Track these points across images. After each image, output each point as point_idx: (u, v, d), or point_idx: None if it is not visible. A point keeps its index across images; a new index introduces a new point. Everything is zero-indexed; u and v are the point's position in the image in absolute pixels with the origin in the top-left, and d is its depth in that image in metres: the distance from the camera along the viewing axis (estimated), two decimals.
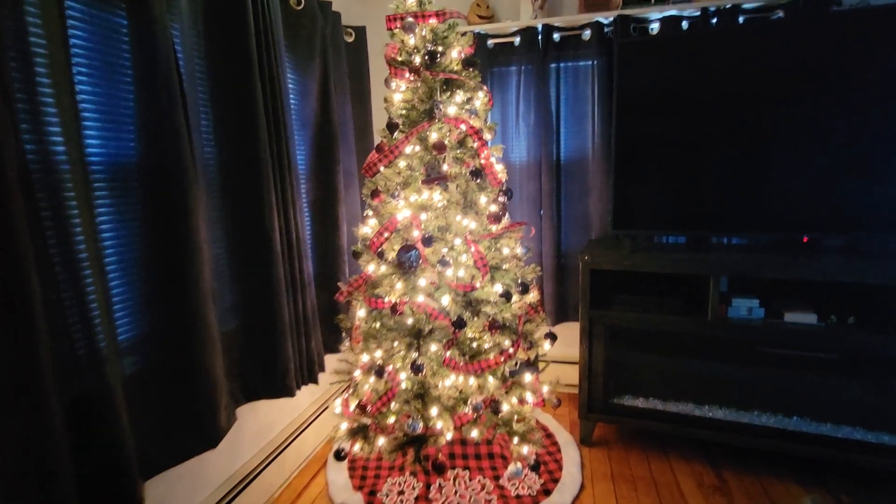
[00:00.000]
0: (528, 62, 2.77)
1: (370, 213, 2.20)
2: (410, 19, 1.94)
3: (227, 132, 1.79)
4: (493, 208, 2.06)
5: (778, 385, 2.21)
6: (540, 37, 2.72)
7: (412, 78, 1.98)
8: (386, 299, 2.02)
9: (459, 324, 1.86)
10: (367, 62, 2.82)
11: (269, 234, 1.85)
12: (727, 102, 2.13)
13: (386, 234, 1.99)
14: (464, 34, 2.06)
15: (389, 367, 2.00)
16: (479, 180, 1.98)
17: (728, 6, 2.43)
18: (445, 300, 1.93)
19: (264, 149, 1.81)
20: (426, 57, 1.96)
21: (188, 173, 1.50)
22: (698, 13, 2.49)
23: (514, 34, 2.77)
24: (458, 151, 2.03)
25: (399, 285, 1.99)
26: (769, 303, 2.17)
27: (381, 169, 2.03)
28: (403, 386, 1.99)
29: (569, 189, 2.86)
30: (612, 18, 2.59)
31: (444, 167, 1.96)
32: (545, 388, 2.13)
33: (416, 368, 1.84)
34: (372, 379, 2.04)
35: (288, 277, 1.97)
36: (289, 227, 1.97)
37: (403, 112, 2.07)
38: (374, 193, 2.06)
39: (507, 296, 1.98)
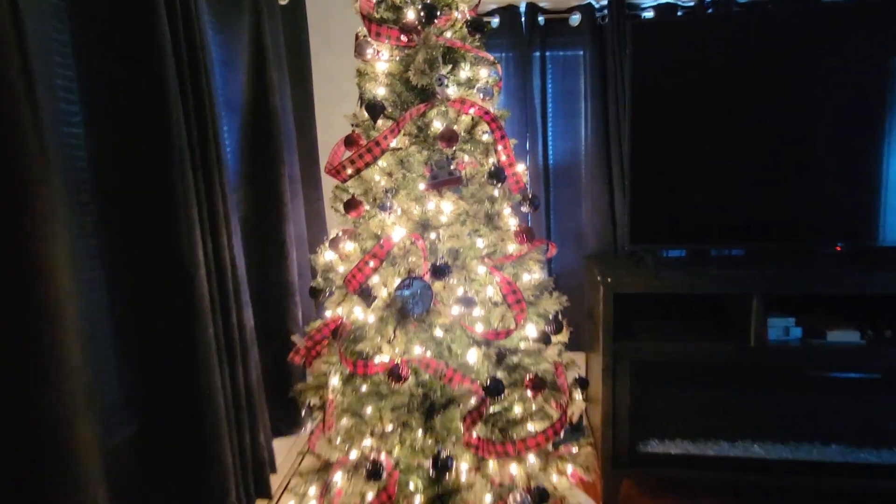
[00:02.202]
0: (510, 48, 2.32)
1: (338, 233, 1.55)
2: None
3: (108, 102, 1.04)
4: (514, 222, 1.53)
5: (819, 412, 1.97)
6: (523, 18, 2.29)
7: (404, 41, 1.40)
8: (377, 359, 1.38)
9: (494, 389, 1.30)
10: (307, 33, 2.15)
11: (190, 271, 1.12)
12: (766, 94, 1.87)
13: (372, 264, 1.36)
14: None
15: (385, 459, 1.35)
16: (499, 184, 1.45)
17: None
18: (472, 356, 1.35)
19: (178, 132, 1.08)
20: (422, 12, 1.39)
21: (32, 168, 0.76)
22: (692, 2, 2.26)
23: (491, 13, 2.31)
24: (467, 146, 1.48)
25: (394, 336, 1.37)
26: (804, 321, 1.93)
27: (359, 170, 1.40)
28: (411, 487, 1.35)
29: (558, 198, 2.46)
30: (605, 1, 2.25)
31: (453, 166, 1.40)
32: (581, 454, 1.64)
33: (441, 466, 1.22)
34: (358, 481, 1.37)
35: (221, 339, 1.23)
36: (220, 258, 1.24)
37: (386, 90, 1.47)
38: (350, 205, 1.42)
39: (544, 339, 1.46)
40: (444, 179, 1.37)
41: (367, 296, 1.39)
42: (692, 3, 2.27)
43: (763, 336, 1.86)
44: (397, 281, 1.42)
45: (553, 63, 2.39)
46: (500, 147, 1.48)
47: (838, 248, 1.96)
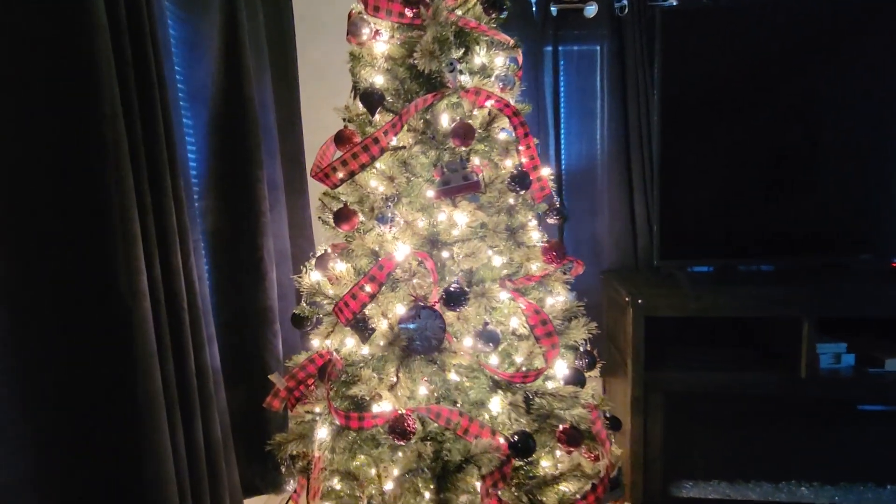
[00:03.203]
0: (520, 40, 2.08)
1: (327, 249, 1.28)
2: None
3: (11, 76, 0.76)
4: (536, 235, 1.28)
5: (874, 450, 1.74)
6: (534, 7, 2.06)
7: (408, 17, 1.14)
8: (375, 407, 1.11)
9: (524, 448, 1.03)
10: (292, 17, 1.89)
11: (127, 304, 0.83)
12: (814, 89, 1.66)
13: (369, 289, 1.10)
14: None
15: None
16: (522, 191, 1.20)
17: None
18: (496, 405, 1.09)
19: (113, 123, 0.81)
20: None
21: None
22: None
23: None
24: (481, 145, 1.23)
25: (397, 379, 1.10)
26: (856, 346, 1.70)
27: (353, 173, 1.14)
28: None
29: (572, 206, 2.21)
30: None
31: (468, 169, 1.14)
32: None
33: None
34: None
35: (173, 389, 0.94)
36: (172, 284, 0.96)
37: (385, 78, 1.21)
38: (342, 216, 1.16)
39: (577, 380, 1.20)
40: (457, 185, 1.11)
41: (362, 328, 1.12)
42: None
43: (815, 366, 1.63)
44: (400, 309, 1.17)
45: (566, 58, 2.16)
46: (522, 147, 1.24)
47: (894, 265, 1.74)
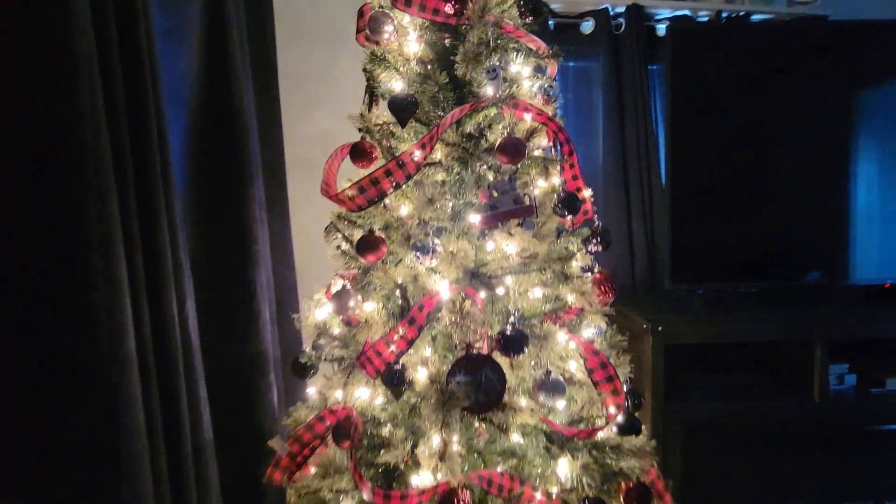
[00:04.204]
0: (560, 49, 1.98)
1: (345, 283, 1.07)
2: None
3: None
4: (576, 264, 1.15)
5: (877, 471, 1.76)
6: None
7: (449, 13, 0.99)
8: (416, 479, 0.91)
9: None
10: (272, 18, 1.66)
11: (110, 377, 0.58)
12: (822, 111, 1.68)
13: (405, 333, 0.91)
14: None
15: None
16: (571, 216, 1.06)
17: (741, 13, 2.07)
18: (563, 467, 0.92)
19: (93, 125, 0.57)
20: None
21: None
22: (707, 17, 2.08)
23: None
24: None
25: (442, 443, 0.91)
26: (858, 367, 1.73)
27: (383, 195, 0.95)
28: None
29: None
30: (622, 7, 2.00)
31: (520, 192, 0.99)
32: None
33: None
34: None
35: (164, 490, 0.69)
36: (165, 339, 0.71)
37: (411, 83, 1.04)
38: (368, 245, 0.96)
39: (633, 427, 1.07)
40: (507, 210, 0.95)
41: (397, 382, 0.92)
42: (706, 17, 2.10)
43: (826, 388, 1.62)
44: (426, 350, 0.99)
45: (562, 74, 2.09)
46: (566, 165, 1.11)
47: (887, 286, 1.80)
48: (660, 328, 1.57)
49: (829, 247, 1.84)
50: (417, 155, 0.94)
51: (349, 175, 1.20)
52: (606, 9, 2.00)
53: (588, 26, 2.03)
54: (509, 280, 0.96)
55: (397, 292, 1.05)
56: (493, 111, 1.05)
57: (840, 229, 1.82)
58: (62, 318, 0.56)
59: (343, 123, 1.97)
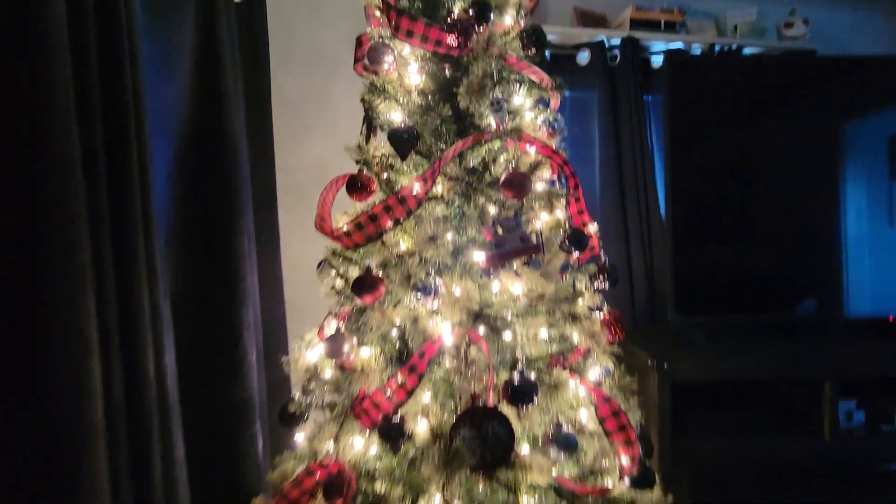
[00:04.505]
0: (563, 82, 1.98)
1: (339, 325, 1.00)
2: None
3: None
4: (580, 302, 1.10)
5: None
6: None
7: (452, 45, 0.95)
8: None
9: None
10: (267, 41, 1.63)
11: (70, 454, 0.50)
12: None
13: (404, 381, 0.84)
14: None
15: None
16: (577, 253, 1.01)
17: (734, 46, 2.10)
18: None
19: (68, 157, 0.50)
20: (474, 9, 0.97)
21: None
22: (700, 50, 2.11)
23: None
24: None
25: (437, 501, 0.83)
26: (866, 404, 1.68)
27: (381, 233, 0.89)
28: None
29: None
30: (617, 40, 2.02)
31: (526, 228, 0.94)
32: None
33: None
34: None
35: None
36: (139, 401, 0.63)
37: (410, 114, 1.00)
38: (365, 285, 0.89)
39: (646, 479, 1.00)
40: (514, 248, 0.90)
41: (394, 435, 0.85)
42: (699, 50, 2.12)
43: (837, 427, 1.57)
44: (425, 396, 0.92)
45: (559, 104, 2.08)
46: (572, 200, 1.07)
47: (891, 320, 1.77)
48: (665, 365, 1.51)
49: (831, 279, 1.82)
50: (418, 189, 0.89)
51: (345, 206, 1.15)
52: (602, 41, 2.02)
53: (584, 57, 2.04)
54: (515, 323, 0.90)
55: (394, 332, 0.98)
56: (496, 144, 1.01)
57: (842, 263, 1.81)
58: (19, 384, 0.48)
59: (338, 151, 1.92)
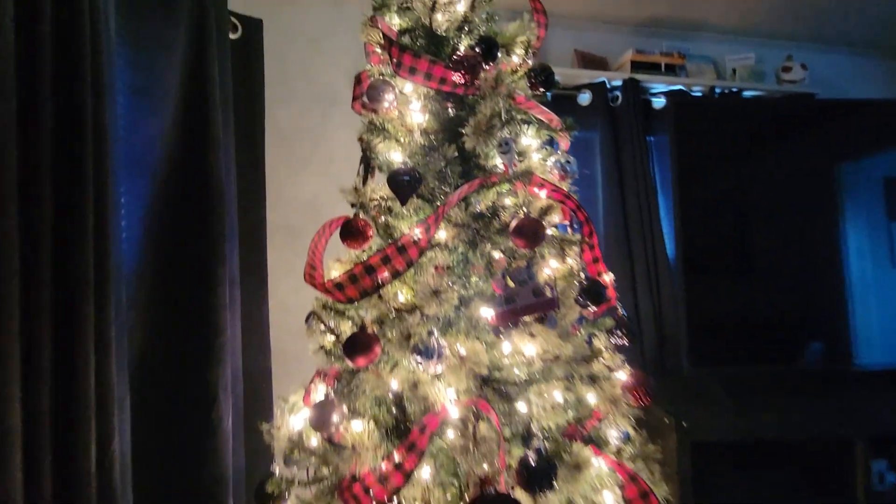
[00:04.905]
0: (574, 122, 1.95)
1: (327, 389, 0.88)
2: None
3: None
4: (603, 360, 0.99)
5: None
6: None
7: (458, 83, 0.89)
8: None
9: None
10: (262, 77, 1.58)
11: None
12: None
13: (401, 461, 0.72)
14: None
15: None
16: (593, 308, 0.92)
17: (734, 89, 2.10)
18: None
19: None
20: (480, 47, 0.91)
21: None
22: (701, 91, 2.10)
23: None
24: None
25: None
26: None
27: (378, 287, 0.79)
28: None
29: None
30: (619, 81, 2.00)
31: (540, 281, 0.85)
32: None
33: None
34: None
35: None
36: (73, 477, 0.51)
37: (412, 155, 0.93)
38: (358, 346, 0.79)
39: None
40: (527, 303, 0.80)
41: None
42: (700, 92, 2.11)
43: (870, 489, 1.44)
44: (424, 471, 0.80)
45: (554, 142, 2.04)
46: (586, 247, 0.98)
47: None
48: (684, 424, 1.39)
49: (838, 323, 1.74)
50: (420, 238, 0.80)
51: (339, 251, 1.06)
52: (603, 82, 2.00)
53: (585, 98, 2.02)
54: (529, 389, 0.79)
55: (390, 395, 0.87)
56: (504, 187, 0.93)
57: (847, 306, 1.74)
58: None
59: (333, 189, 1.84)
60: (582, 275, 0.94)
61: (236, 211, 1.30)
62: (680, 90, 2.07)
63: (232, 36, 1.48)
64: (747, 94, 2.14)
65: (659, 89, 2.08)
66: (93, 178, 0.55)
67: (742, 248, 1.84)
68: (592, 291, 0.89)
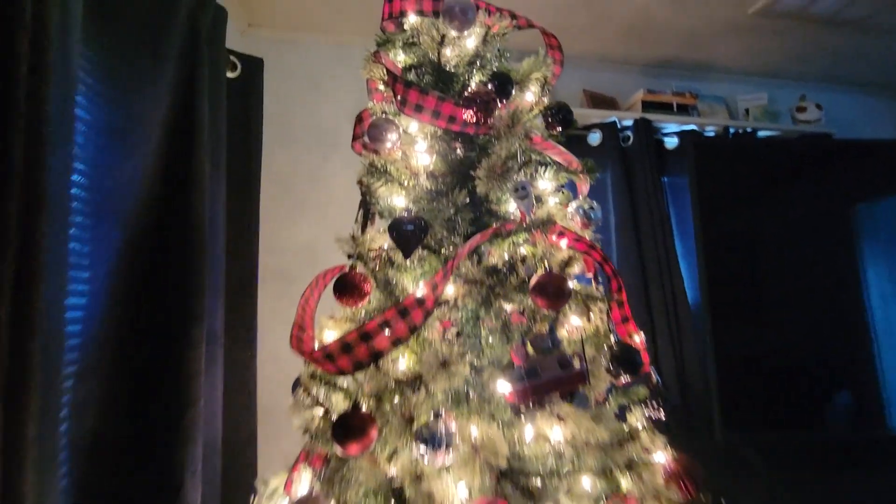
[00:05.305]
0: (595, 164, 1.87)
1: (311, 480, 0.74)
2: None
3: None
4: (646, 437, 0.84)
5: None
6: None
7: (467, 119, 0.79)
8: None
9: None
10: (261, 119, 1.51)
11: None
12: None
13: None
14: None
15: None
16: (629, 379, 0.78)
17: (748, 129, 2.03)
18: None
19: None
20: (493, 83, 0.83)
21: None
22: (714, 132, 2.03)
23: None
24: None
25: None
26: None
27: (377, 357, 0.66)
28: None
29: None
30: (629, 121, 1.94)
31: (562, 346, 0.72)
32: None
33: None
34: None
35: None
36: None
37: (417, 201, 0.82)
38: (351, 431, 0.65)
39: None
40: (552, 377, 0.67)
41: None
42: (713, 132, 2.05)
43: None
44: None
45: (569, 185, 1.96)
46: (616, 303, 0.86)
47: None
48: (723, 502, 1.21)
49: (882, 386, 1.59)
50: (426, 297, 0.68)
51: (333, 303, 0.94)
52: (614, 122, 1.94)
53: (595, 138, 1.95)
54: (557, 486, 0.65)
55: (388, 485, 0.72)
56: (521, 237, 0.82)
57: (875, 359, 1.60)
58: None
59: (330, 233, 1.72)
60: (612, 337, 0.81)
61: (224, 259, 1.19)
62: (693, 130, 2.01)
63: (231, 75, 1.43)
64: (762, 133, 2.07)
65: (671, 129, 2.02)
66: (16, 253, 0.44)
67: (763, 296, 1.72)
68: (627, 359, 0.76)
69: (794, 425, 1.59)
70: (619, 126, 1.95)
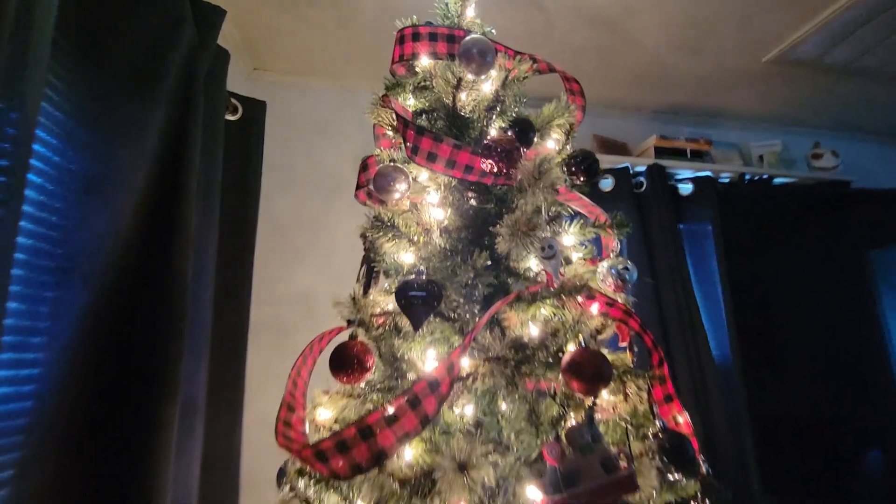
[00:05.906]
0: (626, 218, 1.79)
1: None
2: (486, 36, 0.76)
3: None
4: None
5: None
6: None
7: (486, 169, 0.70)
8: None
9: None
10: (260, 161, 1.43)
11: None
12: None
13: None
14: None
15: None
16: (679, 477, 0.65)
17: (765, 176, 1.97)
18: None
19: None
20: (514, 130, 0.75)
21: None
22: (728, 179, 1.97)
23: None
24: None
25: None
26: None
27: (381, 457, 0.54)
28: None
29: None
30: (642, 167, 1.87)
31: (611, 449, 0.59)
32: None
33: None
34: None
35: None
36: None
37: (427, 258, 0.72)
38: None
39: None
40: (594, 485, 0.55)
41: None
42: (728, 179, 1.98)
43: None
44: None
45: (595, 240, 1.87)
46: (657, 380, 0.74)
47: None
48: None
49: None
50: (441, 380, 0.56)
51: (328, 377, 0.82)
52: (626, 167, 1.87)
53: (608, 184, 1.88)
54: None
55: None
56: (548, 303, 0.71)
57: None
58: None
59: (330, 283, 1.59)
60: (657, 423, 0.69)
61: (211, 315, 1.07)
62: (707, 177, 1.94)
63: (231, 117, 1.36)
64: (778, 181, 2.01)
65: (685, 175, 1.95)
66: None
67: (788, 348, 1.60)
68: (679, 453, 0.63)
69: (828, 488, 1.42)
70: (630, 171, 1.89)
